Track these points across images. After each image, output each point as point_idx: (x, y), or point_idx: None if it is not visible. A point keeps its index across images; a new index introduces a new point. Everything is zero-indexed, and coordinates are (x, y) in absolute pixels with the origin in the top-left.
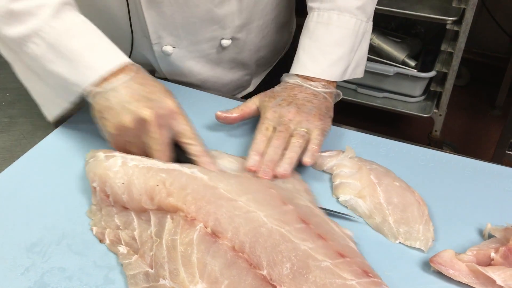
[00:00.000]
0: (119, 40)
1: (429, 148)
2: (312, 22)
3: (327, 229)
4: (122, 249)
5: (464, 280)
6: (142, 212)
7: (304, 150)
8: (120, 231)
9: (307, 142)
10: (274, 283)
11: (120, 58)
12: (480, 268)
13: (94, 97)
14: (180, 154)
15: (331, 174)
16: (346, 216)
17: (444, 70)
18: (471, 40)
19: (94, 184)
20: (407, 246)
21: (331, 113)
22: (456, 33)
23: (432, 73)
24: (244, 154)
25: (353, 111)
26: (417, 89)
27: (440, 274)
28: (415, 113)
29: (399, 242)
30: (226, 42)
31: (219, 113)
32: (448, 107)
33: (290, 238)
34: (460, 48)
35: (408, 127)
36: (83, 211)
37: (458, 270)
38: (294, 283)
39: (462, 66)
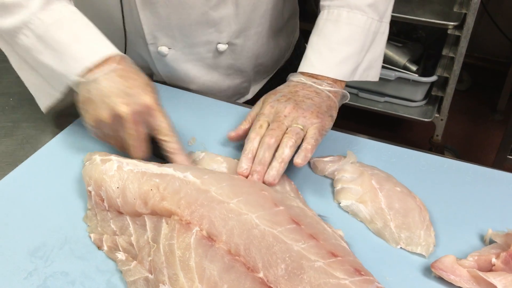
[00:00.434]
0: (114, 41)
1: (430, 153)
2: (321, 19)
3: (319, 229)
4: (121, 255)
5: (465, 285)
6: (136, 216)
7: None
8: (117, 237)
9: (302, 140)
10: (271, 285)
11: (106, 49)
12: (481, 273)
13: (78, 87)
14: (157, 149)
15: (332, 179)
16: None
17: (445, 74)
18: (473, 45)
19: (90, 188)
20: (408, 251)
21: (333, 113)
22: (458, 38)
23: (433, 78)
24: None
25: (355, 115)
26: (419, 93)
27: (441, 280)
28: (417, 118)
29: (400, 247)
30: (222, 47)
31: (232, 134)
32: (450, 111)
33: (283, 239)
34: (462, 53)
35: (409, 131)
36: None
37: (459, 275)
38: (290, 284)
39: (464, 70)
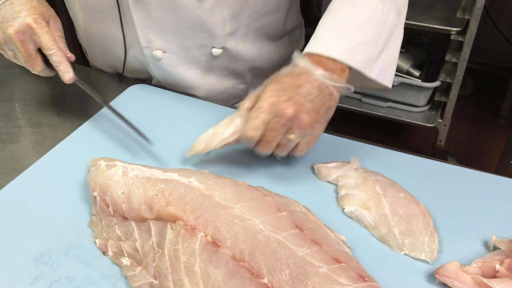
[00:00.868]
0: (115, 46)
1: (434, 159)
2: (336, 2)
3: (322, 234)
4: (125, 261)
5: None
6: (141, 221)
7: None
8: (122, 242)
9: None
10: None
11: None
12: (485, 280)
13: None
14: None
15: (336, 185)
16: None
17: (448, 80)
18: (476, 50)
19: (95, 194)
20: (412, 257)
21: (330, 114)
22: (461, 43)
23: (436, 83)
24: (244, 158)
25: (358, 120)
26: (422, 99)
27: (445, 286)
28: (420, 123)
29: (404, 254)
30: (216, 51)
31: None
32: (453, 117)
33: (287, 245)
34: (465, 58)
35: (412, 136)
36: None
37: (463, 282)
38: None
39: (467, 76)
